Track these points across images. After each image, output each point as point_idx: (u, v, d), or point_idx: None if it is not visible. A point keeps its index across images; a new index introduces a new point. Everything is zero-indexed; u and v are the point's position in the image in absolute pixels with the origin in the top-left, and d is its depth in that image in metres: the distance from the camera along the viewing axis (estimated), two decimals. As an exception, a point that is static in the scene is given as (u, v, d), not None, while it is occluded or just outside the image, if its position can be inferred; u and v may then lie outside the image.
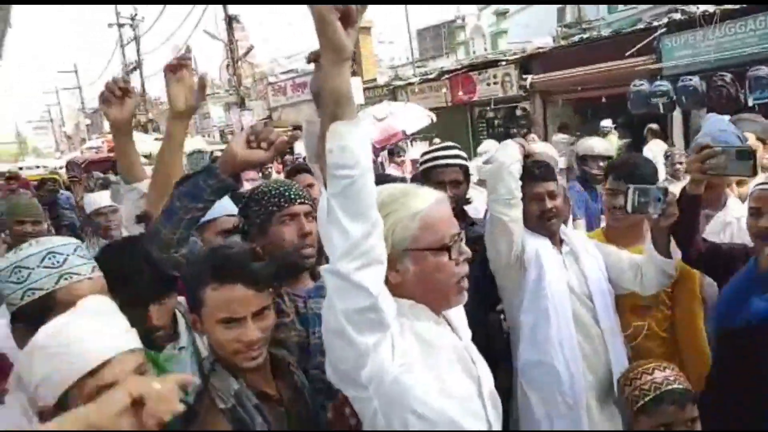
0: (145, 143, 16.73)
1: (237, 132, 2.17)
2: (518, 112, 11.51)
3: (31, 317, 1.23)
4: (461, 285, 1.24)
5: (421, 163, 2.55)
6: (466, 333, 1.35)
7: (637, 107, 8.39)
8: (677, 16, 8.42)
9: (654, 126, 7.81)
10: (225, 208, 2.08)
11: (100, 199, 3.96)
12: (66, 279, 1.29)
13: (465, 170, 2.44)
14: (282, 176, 5.69)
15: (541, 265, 1.99)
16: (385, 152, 10.13)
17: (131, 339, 1.09)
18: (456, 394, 1.17)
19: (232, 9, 16.96)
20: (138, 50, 25.24)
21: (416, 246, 1.18)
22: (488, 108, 11.82)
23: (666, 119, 8.63)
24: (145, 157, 13.30)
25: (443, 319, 1.30)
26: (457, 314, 1.36)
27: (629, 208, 1.81)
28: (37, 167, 12.88)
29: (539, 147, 2.62)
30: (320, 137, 1.07)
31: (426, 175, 2.44)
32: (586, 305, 2.00)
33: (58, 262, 1.30)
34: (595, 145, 3.83)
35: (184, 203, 1.45)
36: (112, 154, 13.72)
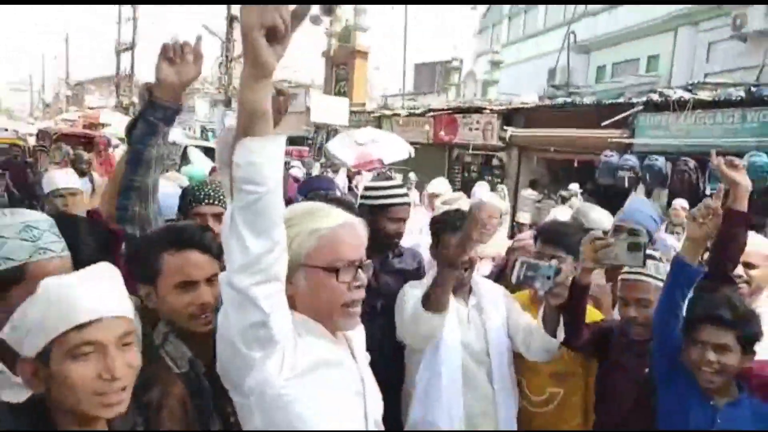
0: (122, 124, 16.52)
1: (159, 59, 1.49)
2: (494, 162, 11.78)
3: None
4: (350, 310, 1.26)
5: (374, 197, 2.56)
6: (362, 357, 1.37)
7: (604, 177, 8.71)
8: (655, 97, 8.84)
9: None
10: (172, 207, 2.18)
11: (63, 178, 3.55)
12: (39, 254, 1.30)
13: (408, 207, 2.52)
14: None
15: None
16: (361, 176, 10.23)
17: (125, 308, 1.10)
18: (339, 415, 1.20)
19: (236, 9, 17.00)
20: (134, 30, 25.04)
21: (309, 262, 1.22)
22: (466, 152, 12.08)
23: (628, 193, 8.98)
24: (121, 139, 13.12)
25: (341, 337, 1.33)
26: (358, 337, 1.40)
27: (514, 279, 1.85)
28: (6, 130, 12.47)
29: (485, 197, 2.75)
30: (231, 147, 1.05)
31: (380, 209, 2.48)
32: (481, 362, 2.04)
33: (34, 236, 1.31)
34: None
35: (144, 143, 1.56)
36: (87, 131, 13.46)
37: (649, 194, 8.93)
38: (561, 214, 5.01)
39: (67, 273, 1.25)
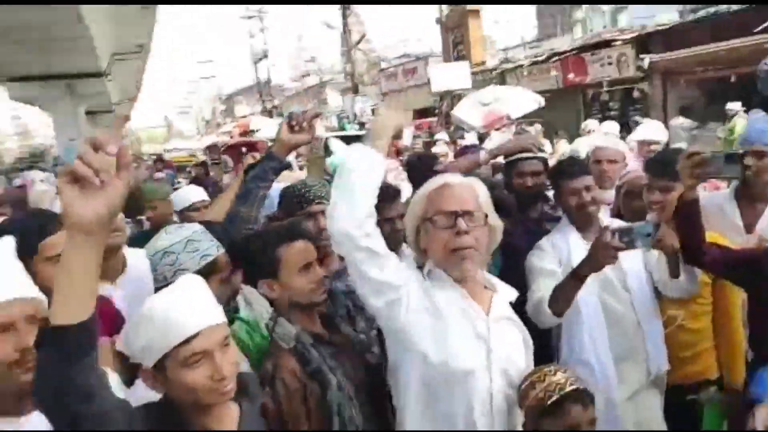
0: (271, 127, 18.23)
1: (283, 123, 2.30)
2: (635, 94, 10.92)
3: None
4: (456, 254, 1.46)
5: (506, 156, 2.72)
6: (500, 310, 1.53)
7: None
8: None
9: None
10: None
11: (193, 193, 3.63)
12: (204, 259, 1.63)
13: (544, 161, 2.66)
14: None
15: (571, 264, 1.98)
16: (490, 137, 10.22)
17: (218, 314, 1.22)
18: (457, 354, 1.41)
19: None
20: (264, 41, 27.28)
21: (423, 216, 1.53)
22: (602, 90, 11.36)
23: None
24: (271, 141, 14.64)
25: (478, 289, 1.52)
26: (502, 294, 1.56)
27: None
28: (180, 150, 14.51)
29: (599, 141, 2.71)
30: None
31: (510, 167, 2.67)
32: (621, 296, 2.04)
33: (196, 247, 1.64)
34: None
35: (256, 184, 1.91)
36: (246, 138, 15.11)
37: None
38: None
39: (227, 266, 1.69)
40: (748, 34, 8.06)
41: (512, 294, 1.58)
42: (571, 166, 2.22)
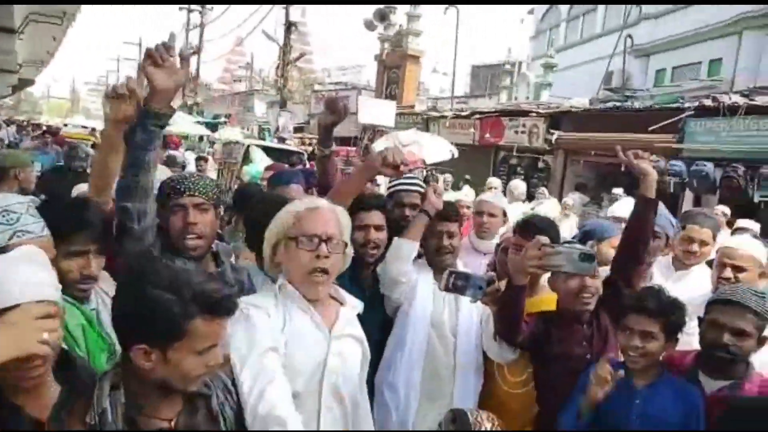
0: (186, 123, 17.49)
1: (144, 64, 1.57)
2: (540, 164, 11.71)
3: None
4: (313, 277, 1.53)
5: (389, 187, 2.85)
6: (344, 329, 1.61)
7: (650, 182, 8.52)
8: (707, 101, 8.58)
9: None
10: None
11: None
12: (18, 236, 1.38)
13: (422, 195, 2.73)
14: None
15: (414, 297, 2.16)
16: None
17: (46, 291, 1.16)
18: (297, 376, 1.47)
19: (295, 16, 17.68)
20: (201, 36, 26.43)
21: (287, 234, 1.56)
22: (512, 154, 12.06)
23: (677, 198, 8.74)
24: (183, 137, 13.88)
25: (328, 307, 1.60)
26: (350, 312, 1.65)
27: (442, 287, 1.92)
28: (84, 127, 13.40)
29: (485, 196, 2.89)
30: None
31: (390, 197, 2.73)
32: (447, 339, 2.15)
33: (11, 219, 1.40)
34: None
35: (142, 149, 1.66)
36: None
37: (697, 200, 8.67)
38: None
39: (49, 252, 1.37)
40: (643, 132, 8.94)
41: (359, 306, 1.68)
42: (445, 209, 2.28)
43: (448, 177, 9.81)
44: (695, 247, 2.68)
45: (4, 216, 1.40)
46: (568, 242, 2.15)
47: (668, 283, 2.66)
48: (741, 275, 2.39)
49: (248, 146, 11.50)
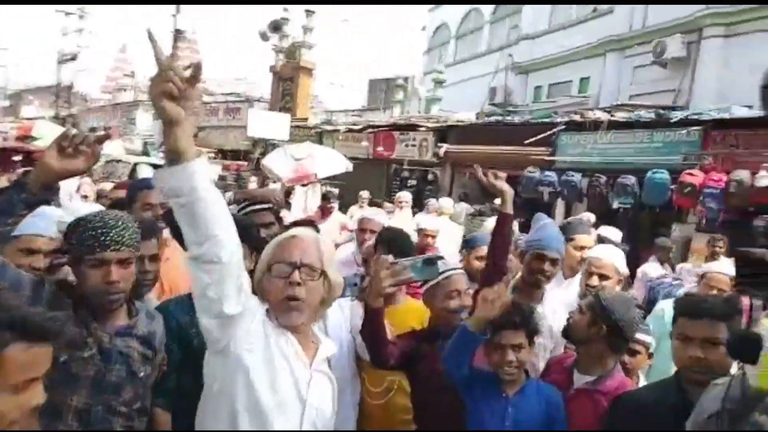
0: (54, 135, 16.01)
1: (52, 143, 1.43)
2: (430, 177, 12.06)
3: None
4: (287, 304, 1.52)
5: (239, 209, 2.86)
6: (322, 365, 1.61)
7: (527, 191, 9.07)
8: (576, 117, 9.31)
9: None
10: (37, 227, 2.04)
11: None
12: None
13: (275, 213, 2.91)
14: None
15: None
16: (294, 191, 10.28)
17: None
18: (279, 400, 1.45)
19: (181, 24, 16.92)
20: (80, 41, 24.46)
21: (267, 263, 1.57)
22: (403, 167, 12.32)
23: (551, 206, 9.38)
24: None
25: (309, 342, 1.59)
26: (327, 347, 1.64)
27: None
28: None
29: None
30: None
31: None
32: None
33: None
34: None
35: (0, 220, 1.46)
36: (21, 144, 12.88)
37: (568, 207, 9.36)
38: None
39: None
40: (521, 145, 9.51)
41: (333, 348, 1.69)
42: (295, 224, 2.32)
43: (335, 191, 9.74)
44: (587, 252, 2.92)
45: None
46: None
47: (560, 290, 2.86)
48: (605, 283, 2.65)
49: (135, 164, 10.65)
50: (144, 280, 2.07)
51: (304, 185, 10.35)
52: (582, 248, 3.03)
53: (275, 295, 1.53)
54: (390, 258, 1.95)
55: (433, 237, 4.46)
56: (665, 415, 1.73)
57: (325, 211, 7.69)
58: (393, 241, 2.55)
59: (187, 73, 1.27)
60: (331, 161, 10.25)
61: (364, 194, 9.02)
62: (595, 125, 8.72)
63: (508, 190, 2.43)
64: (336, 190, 9.71)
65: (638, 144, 8.11)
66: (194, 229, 1.34)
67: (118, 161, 10.64)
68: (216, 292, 1.38)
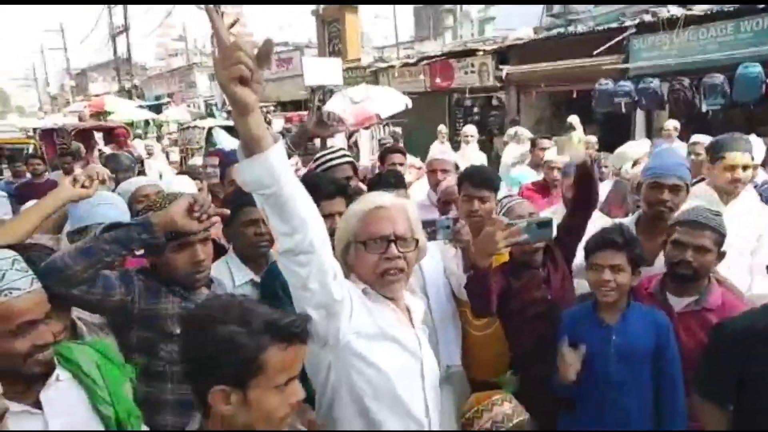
0: (128, 109, 16.71)
1: (182, 196, 1.67)
2: (494, 102, 11.68)
3: None
4: (386, 278, 1.51)
5: (317, 166, 2.88)
6: (420, 324, 1.63)
7: (601, 105, 8.63)
8: (647, 17, 8.61)
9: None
10: (105, 215, 2.09)
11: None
12: (6, 295, 1.26)
13: (353, 166, 2.90)
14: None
15: None
16: (359, 134, 10.33)
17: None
18: (399, 367, 1.47)
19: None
20: (125, 14, 24.88)
21: (354, 239, 1.54)
22: (465, 96, 11.98)
23: (630, 118, 8.91)
24: (128, 125, 13.21)
25: (402, 306, 1.60)
26: (417, 307, 1.66)
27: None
28: (13, 131, 12.32)
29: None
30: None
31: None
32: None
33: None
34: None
35: (112, 248, 1.57)
36: (103, 123, 13.45)
37: (648, 118, 8.86)
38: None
39: (41, 306, 1.31)
40: (589, 56, 8.97)
41: (422, 304, 1.70)
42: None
43: (398, 130, 9.69)
44: (739, 173, 2.56)
45: None
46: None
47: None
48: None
49: (210, 129, 11.02)
50: (261, 241, 2.27)
51: (367, 128, 10.37)
52: (733, 168, 2.55)
53: (371, 269, 1.51)
54: (505, 220, 1.97)
55: (559, 170, 3.96)
56: None
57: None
58: (477, 177, 2.49)
59: (255, 50, 1.11)
60: (390, 100, 10.13)
61: (443, 129, 8.87)
62: (671, 23, 8.04)
63: (584, 158, 2.22)
64: (399, 129, 9.64)
65: (723, 38, 7.44)
66: (283, 221, 1.26)
67: (194, 127, 10.99)
68: (317, 282, 1.33)
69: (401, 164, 3.93)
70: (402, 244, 1.51)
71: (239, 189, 2.18)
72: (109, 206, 2.16)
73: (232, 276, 2.21)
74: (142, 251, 1.79)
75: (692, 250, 1.98)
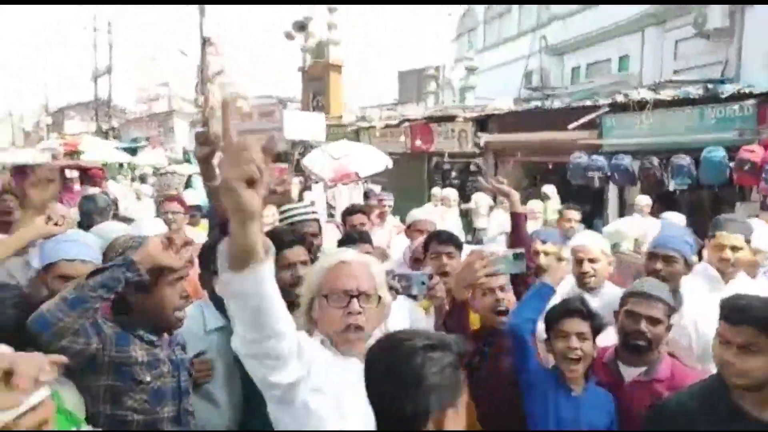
0: (104, 150, 16.52)
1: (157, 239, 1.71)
2: (472, 168, 11.95)
3: None
4: (347, 334, 1.49)
5: (283, 218, 3.02)
6: None
7: (575, 178, 8.89)
8: (620, 98, 9.05)
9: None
10: (76, 251, 2.09)
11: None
12: None
13: (318, 224, 3.02)
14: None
15: None
16: (337, 190, 10.35)
17: None
18: (355, 426, 1.37)
19: (208, 32, 17.16)
20: (110, 56, 25.11)
21: (319, 293, 1.54)
22: (444, 160, 12.24)
23: (603, 192, 9.18)
24: (103, 166, 13.00)
25: (355, 361, 1.50)
26: None
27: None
28: None
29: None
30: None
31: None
32: None
33: None
34: None
35: (99, 293, 1.60)
36: (70, 161, 13.25)
37: (621, 193, 9.14)
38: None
39: None
40: (564, 129, 9.32)
41: None
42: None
43: (376, 188, 9.78)
44: (727, 253, 2.65)
45: None
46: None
47: (711, 295, 2.49)
48: (595, 266, 2.70)
49: (189, 176, 10.90)
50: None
51: (345, 184, 10.42)
52: (722, 247, 2.64)
53: (334, 325, 1.50)
54: (485, 250, 2.08)
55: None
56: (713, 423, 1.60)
57: (370, 212, 7.70)
58: (444, 234, 2.66)
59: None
60: (371, 159, 10.24)
61: (437, 192, 9.30)
62: (641, 105, 8.47)
63: (513, 193, 2.77)
64: (378, 187, 9.71)
65: (689, 122, 7.84)
66: (256, 329, 1.21)
67: (173, 173, 10.89)
68: (280, 375, 1.30)
69: (362, 224, 4.04)
70: (364, 300, 1.51)
71: (216, 232, 2.20)
72: (76, 243, 2.13)
73: (204, 320, 2.22)
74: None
75: (645, 321, 2.05)
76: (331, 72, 16.41)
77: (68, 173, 10.89)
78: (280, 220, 2.98)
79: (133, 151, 17.33)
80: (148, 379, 1.79)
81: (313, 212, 3.03)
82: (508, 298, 2.31)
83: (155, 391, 1.80)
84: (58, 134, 24.54)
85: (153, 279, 1.79)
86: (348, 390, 1.40)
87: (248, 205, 1.03)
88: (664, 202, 7.17)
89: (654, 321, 2.04)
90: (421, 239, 3.09)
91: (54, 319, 1.54)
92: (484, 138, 11.24)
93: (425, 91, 18.73)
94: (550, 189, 9.37)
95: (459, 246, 2.61)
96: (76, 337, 1.61)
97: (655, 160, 7.80)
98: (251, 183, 1.01)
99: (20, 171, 10.41)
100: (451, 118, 12.00)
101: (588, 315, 2.07)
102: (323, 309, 1.52)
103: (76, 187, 9.63)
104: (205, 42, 17.04)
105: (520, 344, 2.12)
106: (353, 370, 1.43)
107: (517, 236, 2.73)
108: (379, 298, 1.55)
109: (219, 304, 2.20)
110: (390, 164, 10.15)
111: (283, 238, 2.20)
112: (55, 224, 2.04)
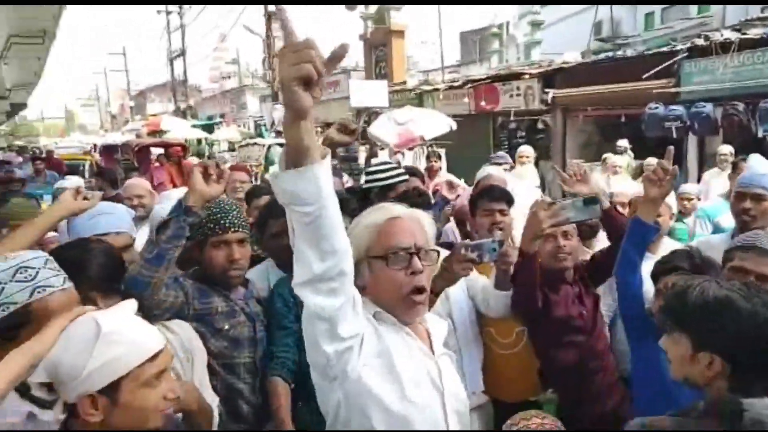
0: (182, 128, 17.48)
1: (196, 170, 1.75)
2: (539, 125, 11.63)
3: (6, 330, 1.30)
4: (411, 299, 1.33)
5: (379, 179, 3.00)
6: (441, 350, 1.45)
7: (652, 130, 8.47)
8: (699, 41, 8.45)
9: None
10: (108, 224, 2.15)
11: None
12: (39, 292, 1.32)
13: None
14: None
15: None
16: (403, 156, 10.45)
17: (153, 343, 1.22)
18: (416, 401, 1.29)
19: (272, 7, 17.44)
20: (183, 38, 26.21)
21: (369, 254, 1.36)
22: (510, 119, 11.98)
23: (681, 143, 8.69)
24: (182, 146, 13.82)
25: (421, 330, 1.43)
26: (439, 330, 1.49)
27: None
28: (74, 148, 13.09)
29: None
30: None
31: (387, 189, 2.93)
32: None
33: (30, 276, 1.33)
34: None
35: (173, 244, 1.71)
36: (160, 139, 14.11)
37: (701, 142, 8.62)
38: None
39: (73, 304, 1.35)
40: (639, 79, 8.85)
41: (445, 327, 1.53)
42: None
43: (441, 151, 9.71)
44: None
45: (21, 273, 1.33)
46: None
47: None
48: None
49: (269, 146, 11.34)
50: None
51: (410, 149, 10.49)
52: None
53: (396, 291, 1.34)
54: (548, 198, 1.99)
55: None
56: None
57: (431, 172, 7.74)
58: (496, 191, 2.54)
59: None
60: (434, 122, 10.23)
61: (525, 150, 7.75)
62: (724, 47, 7.88)
63: (597, 186, 2.37)
64: (442, 150, 9.70)
65: (780, 62, 7.23)
66: (314, 244, 1.12)
67: (254, 144, 11.35)
68: (341, 314, 1.19)
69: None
70: (424, 257, 1.36)
71: (270, 205, 2.31)
72: (107, 216, 2.19)
73: (269, 280, 2.28)
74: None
75: (755, 279, 1.78)
76: (393, 38, 16.30)
77: (153, 151, 11.69)
78: (368, 181, 3.00)
79: (209, 128, 18.20)
80: (227, 327, 1.93)
81: (403, 172, 3.03)
82: (571, 245, 2.24)
83: (233, 338, 1.95)
84: (141, 116, 26.18)
85: (196, 242, 1.91)
86: (403, 363, 1.29)
87: (301, 102, 1.01)
88: (749, 149, 6.72)
89: (764, 278, 1.78)
90: (463, 199, 3.01)
91: (146, 278, 1.66)
92: (551, 94, 10.87)
93: (488, 50, 18.21)
94: (624, 143, 8.99)
95: (510, 202, 2.47)
96: (168, 290, 1.76)
97: (741, 106, 7.28)
98: (307, 82, 1.00)
99: (109, 151, 11.34)
100: (516, 76, 11.68)
101: (692, 270, 1.85)
102: (378, 273, 1.35)
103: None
104: (270, 17, 17.38)
105: (624, 290, 2.00)
106: (409, 345, 1.35)
107: (614, 228, 2.26)
108: (438, 253, 1.42)
109: (281, 265, 2.29)
110: (454, 126, 10.10)
111: (349, 206, 2.20)
112: (85, 198, 2.04)
